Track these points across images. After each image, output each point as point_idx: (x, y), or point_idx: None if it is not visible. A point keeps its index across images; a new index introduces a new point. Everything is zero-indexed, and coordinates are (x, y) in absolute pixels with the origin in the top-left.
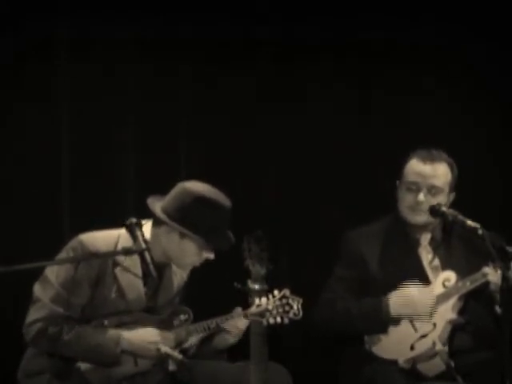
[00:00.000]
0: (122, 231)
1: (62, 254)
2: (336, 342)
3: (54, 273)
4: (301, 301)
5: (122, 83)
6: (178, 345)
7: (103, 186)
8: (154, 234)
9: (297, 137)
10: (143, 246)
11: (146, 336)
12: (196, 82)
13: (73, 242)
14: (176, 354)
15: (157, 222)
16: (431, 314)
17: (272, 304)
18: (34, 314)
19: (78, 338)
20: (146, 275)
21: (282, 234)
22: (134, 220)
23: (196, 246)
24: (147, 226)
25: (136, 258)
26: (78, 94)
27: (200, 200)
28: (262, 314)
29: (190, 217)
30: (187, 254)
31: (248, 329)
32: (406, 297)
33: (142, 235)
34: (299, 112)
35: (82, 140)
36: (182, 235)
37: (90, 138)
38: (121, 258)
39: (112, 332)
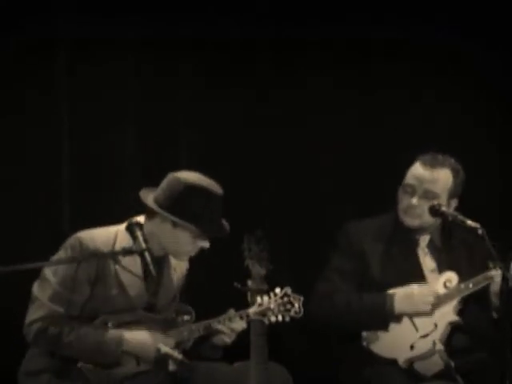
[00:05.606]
0: (120, 228)
1: (61, 253)
2: (337, 340)
3: (53, 272)
4: (302, 299)
5: (122, 83)
6: (178, 344)
7: (103, 185)
8: (148, 227)
9: (297, 136)
10: (143, 245)
11: (146, 337)
12: (196, 82)
13: (71, 240)
14: (176, 353)
15: (150, 214)
16: (430, 313)
17: (274, 303)
18: (32, 313)
19: (79, 338)
20: (146, 272)
21: (281, 234)
22: (133, 220)
23: (189, 234)
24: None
25: (136, 256)
26: (78, 94)
27: (191, 188)
28: (263, 313)
29: (181, 205)
30: (181, 243)
31: (248, 329)
32: (408, 294)
33: (143, 235)
34: (300, 111)
35: (82, 140)
36: (175, 224)
37: (90, 138)
38: (120, 256)
39: (113, 332)
